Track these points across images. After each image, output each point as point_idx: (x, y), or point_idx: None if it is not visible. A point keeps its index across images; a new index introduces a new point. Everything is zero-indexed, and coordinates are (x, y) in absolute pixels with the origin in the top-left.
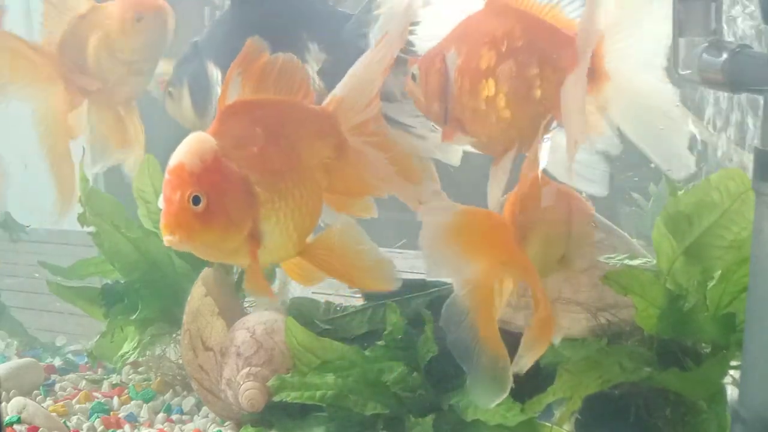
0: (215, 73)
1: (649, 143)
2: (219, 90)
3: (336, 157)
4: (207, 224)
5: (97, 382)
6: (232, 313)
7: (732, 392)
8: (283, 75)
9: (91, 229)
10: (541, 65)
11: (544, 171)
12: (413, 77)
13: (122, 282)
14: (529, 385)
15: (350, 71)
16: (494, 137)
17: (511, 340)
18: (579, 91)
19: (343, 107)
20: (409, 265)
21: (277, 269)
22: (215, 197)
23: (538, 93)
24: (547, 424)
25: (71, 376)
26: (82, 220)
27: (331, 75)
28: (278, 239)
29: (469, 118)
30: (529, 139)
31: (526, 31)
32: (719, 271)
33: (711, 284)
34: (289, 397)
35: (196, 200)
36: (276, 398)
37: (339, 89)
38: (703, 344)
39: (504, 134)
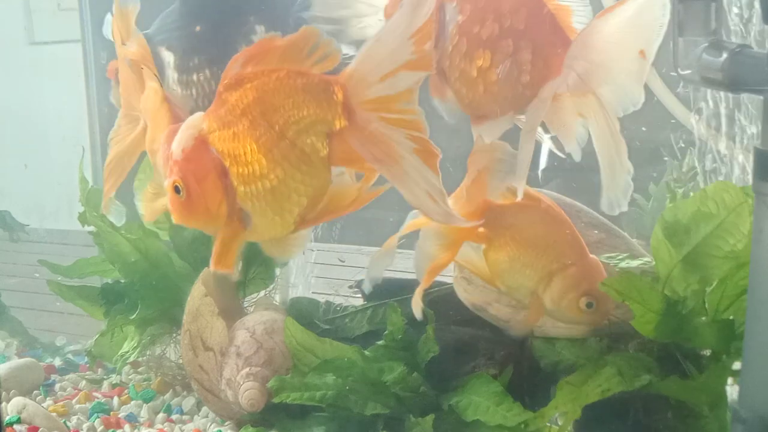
0: (167, 55)
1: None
2: (171, 73)
3: (339, 129)
4: (189, 211)
5: (97, 382)
6: (232, 313)
7: (732, 392)
8: (289, 47)
9: (92, 228)
10: (535, 55)
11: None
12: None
13: (122, 282)
14: (529, 385)
15: (364, 44)
16: (476, 103)
17: (511, 340)
18: (542, 110)
19: (353, 80)
20: (409, 265)
21: (276, 269)
22: (192, 186)
23: (527, 78)
24: (547, 425)
25: (71, 376)
26: (82, 219)
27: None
28: (260, 219)
29: (457, 79)
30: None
31: (531, 17)
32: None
33: (709, 289)
34: (289, 398)
35: (177, 189)
36: (276, 400)
37: (353, 61)
38: (703, 349)
39: (487, 105)
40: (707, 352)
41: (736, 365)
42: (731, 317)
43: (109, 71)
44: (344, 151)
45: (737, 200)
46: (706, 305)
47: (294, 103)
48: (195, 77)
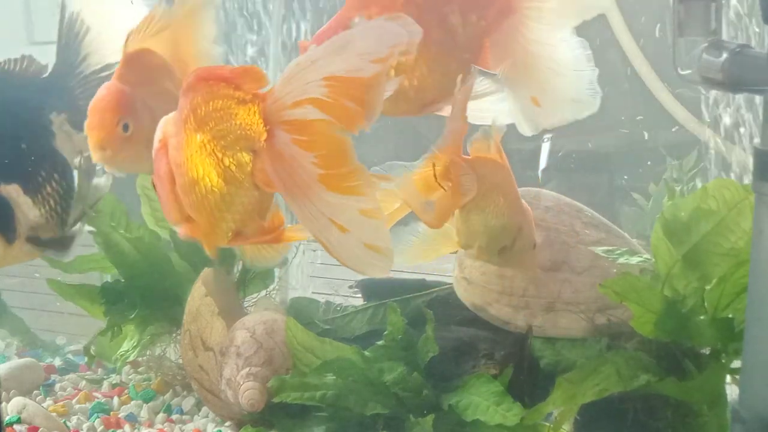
0: (12, 190)
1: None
2: (24, 202)
3: (260, 147)
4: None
5: (97, 382)
6: (232, 313)
7: (732, 391)
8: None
9: (92, 228)
10: (465, 13)
11: None
12: None
13: (122, 281)
14: (529, 385)
15: (289, 64)
16: (424, 88)
17: (511, 340)
18: None
19: (272, 98)
20: (409, 265)
21: (275, 269)
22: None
23: (466, 39)
24: (547, 424)
25: (71, 376)
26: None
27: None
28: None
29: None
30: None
31: None
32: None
33: (709, 287)
34: (289, 398)
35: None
36: (276, 399)
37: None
38: (703, 347)
39: (436, 86)
40: (707, 351)
41: (735, 364)
42: (731, 315)
43: None
44: (262, 171)
45: (738, 197)
46: (705, 304)
47: (223, 116)
48: (40, 196)
